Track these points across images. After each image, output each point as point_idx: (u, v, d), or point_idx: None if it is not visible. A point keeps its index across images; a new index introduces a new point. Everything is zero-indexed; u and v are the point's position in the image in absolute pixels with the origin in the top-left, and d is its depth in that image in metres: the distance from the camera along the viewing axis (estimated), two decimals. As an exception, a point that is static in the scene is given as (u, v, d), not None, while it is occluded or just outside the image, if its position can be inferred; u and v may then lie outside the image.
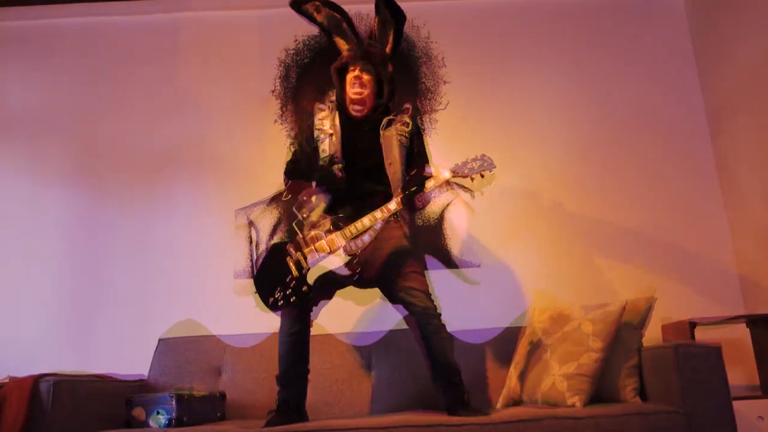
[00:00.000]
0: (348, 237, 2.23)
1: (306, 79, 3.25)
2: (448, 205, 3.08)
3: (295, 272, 2.22)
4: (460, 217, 3.05)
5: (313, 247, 2.23)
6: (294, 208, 3.05)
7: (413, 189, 2.27)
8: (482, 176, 2.37)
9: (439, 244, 3.03)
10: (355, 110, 2.40)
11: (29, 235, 3.10)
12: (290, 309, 2.25)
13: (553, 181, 3.12)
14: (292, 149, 3.06)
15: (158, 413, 2.24)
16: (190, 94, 3.25)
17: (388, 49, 2.47)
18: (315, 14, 2.56)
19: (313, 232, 2.25)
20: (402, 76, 3.21)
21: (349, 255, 2.22)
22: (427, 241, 3.01)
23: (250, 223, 3.09)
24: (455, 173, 2.33)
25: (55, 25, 3.39)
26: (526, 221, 3.07)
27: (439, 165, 3.05)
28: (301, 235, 2.27)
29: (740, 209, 2.96)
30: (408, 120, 2.45)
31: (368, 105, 2.40)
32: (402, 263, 2.28)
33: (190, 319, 2.96)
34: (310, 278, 2.22)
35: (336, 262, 2.22)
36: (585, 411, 1.97)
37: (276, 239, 3.05)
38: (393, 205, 2.25)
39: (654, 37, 3.29)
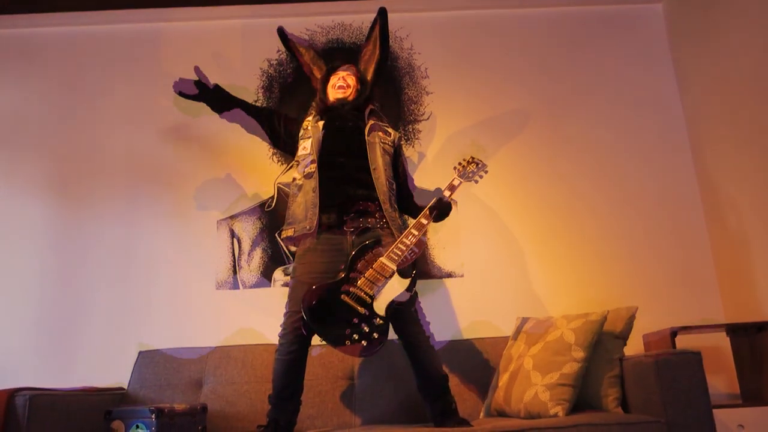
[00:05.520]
0: (397, 259, 2.16)
1: (289, 89, 3.24)
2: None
3: (361, 309, 2.10)
4: (443, 227, 3.06)
5: (365, 278, 2.13)
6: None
7: (434, 201, 2.30)
8: (481, 177, 2.47)
9: (423, 254, 3.03)
10: (337, 99, 2.50)
11: (5, 246, 3.04)
12: (294, 329, 2.22)
13: (535, 192, 3.13)
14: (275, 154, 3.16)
15: (137, 427, 2.20)
16: (170, 104, 3.23)
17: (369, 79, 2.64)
18: (298, 46, 2.78)
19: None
20: (385, 86, 3.23)
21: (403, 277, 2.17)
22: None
23: (233, 234, 3.07)
24: (464, 179, 2.41)
25: (34, 34, 3.35)
26: (509, 233, 3.08)
27: (425, 172, 3.09)
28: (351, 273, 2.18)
29: (720, 219, 2.99)
30: (390, 130, 2.54)
31: (350, 98, 2.51)
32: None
33: (170, 330, 2.92)
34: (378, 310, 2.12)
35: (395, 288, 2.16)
36: (567, 420, 1.97)
37: (258, 250, 3.03)
38: (424, 219, 2.25)
39: (633, 47, 3.34)
